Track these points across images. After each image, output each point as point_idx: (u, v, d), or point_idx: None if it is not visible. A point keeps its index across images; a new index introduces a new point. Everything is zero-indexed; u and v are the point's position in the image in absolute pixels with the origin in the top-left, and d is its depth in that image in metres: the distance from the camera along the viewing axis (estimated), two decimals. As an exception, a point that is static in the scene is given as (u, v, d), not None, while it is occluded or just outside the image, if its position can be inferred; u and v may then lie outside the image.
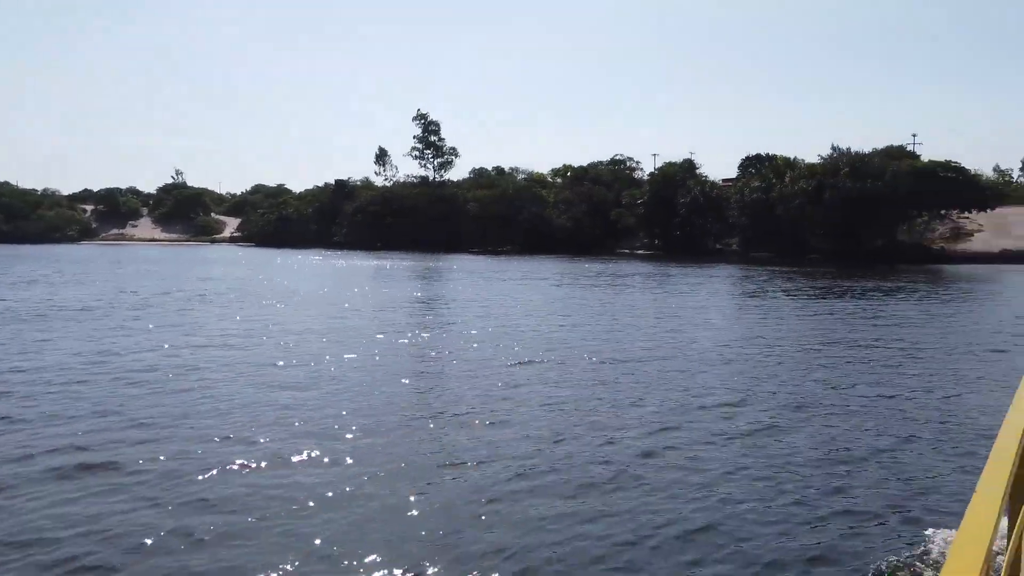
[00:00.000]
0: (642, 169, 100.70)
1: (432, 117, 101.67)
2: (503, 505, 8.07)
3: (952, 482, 8.85)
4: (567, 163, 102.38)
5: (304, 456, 9.65)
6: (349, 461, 9.51)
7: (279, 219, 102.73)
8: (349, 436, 10.59)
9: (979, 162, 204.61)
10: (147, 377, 14.43)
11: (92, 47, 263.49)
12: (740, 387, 13.96)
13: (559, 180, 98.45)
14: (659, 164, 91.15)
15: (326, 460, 9.51)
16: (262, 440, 10.35)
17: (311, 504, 8.02)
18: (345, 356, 17.03)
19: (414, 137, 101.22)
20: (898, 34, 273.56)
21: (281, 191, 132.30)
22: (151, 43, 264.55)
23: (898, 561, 6.72)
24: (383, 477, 8.94)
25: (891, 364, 16.56)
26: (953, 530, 5.36)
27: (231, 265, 56.60)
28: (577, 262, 59.73)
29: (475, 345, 18.68)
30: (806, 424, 11.45)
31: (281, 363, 16.12)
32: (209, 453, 9.73)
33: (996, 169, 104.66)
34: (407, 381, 14.63)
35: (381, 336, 20.19)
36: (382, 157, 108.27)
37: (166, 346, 18.14)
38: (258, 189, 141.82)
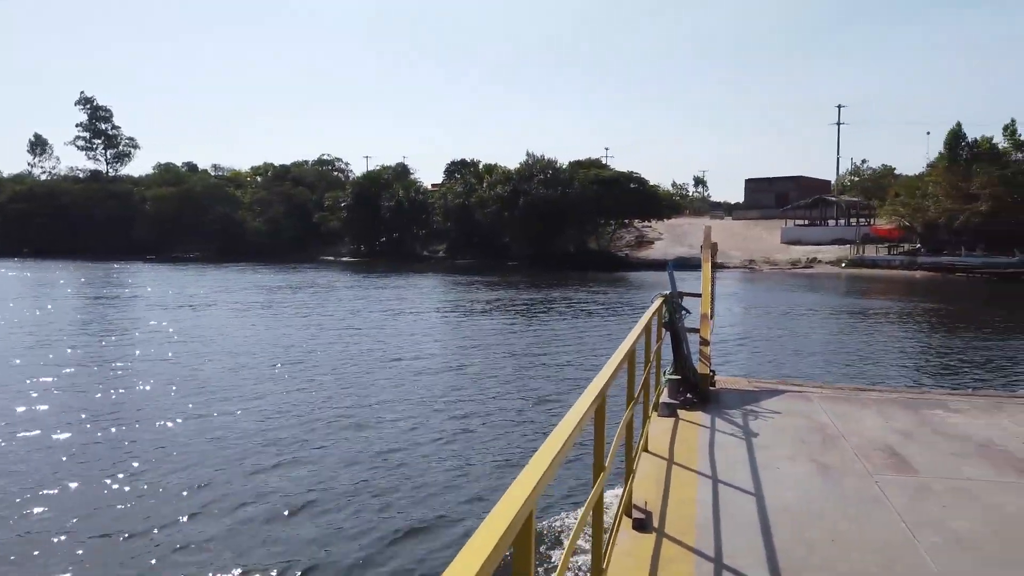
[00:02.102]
0: (353, 171, 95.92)
1: (100, 102, 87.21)
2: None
3: None
4: (268, 161, 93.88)
5: None
6: None
7: None
8: None
9: (659, 177, 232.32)
10: None
11: None
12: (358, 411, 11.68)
13: (258, 179, 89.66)
14: (372, 167, 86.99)
15: None
16: None
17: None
18: None
19: (77, 125, 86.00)
20: (595, 55, 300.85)
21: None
22: None
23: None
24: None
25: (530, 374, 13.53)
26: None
27: None
28: (254, 271, 52.75)
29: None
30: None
31: None
32: None
33: (673, 184, 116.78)
34: None
35: None
36: (39, 146, 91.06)
37: None
38: None
